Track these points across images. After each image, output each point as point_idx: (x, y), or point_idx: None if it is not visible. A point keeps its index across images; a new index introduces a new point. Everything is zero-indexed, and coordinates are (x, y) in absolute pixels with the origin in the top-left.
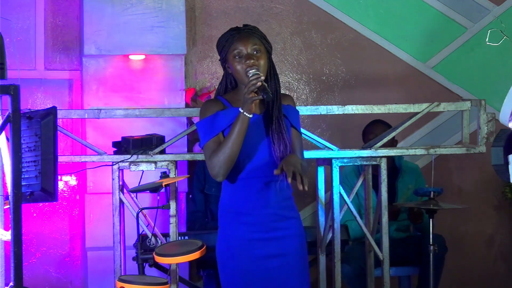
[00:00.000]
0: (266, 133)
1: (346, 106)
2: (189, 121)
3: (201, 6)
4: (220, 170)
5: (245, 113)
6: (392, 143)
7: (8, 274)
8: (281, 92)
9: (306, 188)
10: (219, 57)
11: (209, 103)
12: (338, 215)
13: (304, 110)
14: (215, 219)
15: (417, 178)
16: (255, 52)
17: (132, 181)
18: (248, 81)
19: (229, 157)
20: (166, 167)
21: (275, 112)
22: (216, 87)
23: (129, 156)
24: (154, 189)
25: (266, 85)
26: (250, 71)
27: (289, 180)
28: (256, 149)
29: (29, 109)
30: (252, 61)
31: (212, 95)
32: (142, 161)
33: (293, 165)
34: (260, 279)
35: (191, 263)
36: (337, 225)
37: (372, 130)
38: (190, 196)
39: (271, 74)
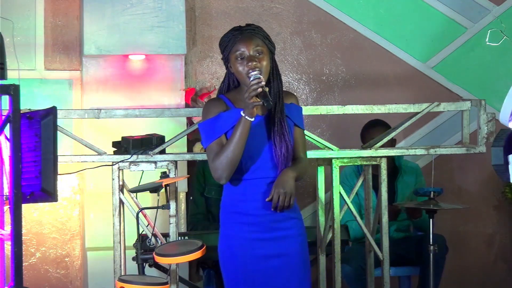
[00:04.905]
0: (268, 135)
1: (346, 106)
2: (189, 121)
3: (201, 6)
4: (223, 173)
5: (246, 117)
6: (392, 143)
7: (8, 274)
8: (285, 90)
9: (287, 208)
10: (221, 56)
11: (211, 103)
12: (338, 215)
13: (304, 110)
14: (216, 221)
15: (417, 177)
16: (257, 54)
17: (132, 181)
18: (249, 85)
19: (231, 161)
20: (166, 167)
21: (277, 114)
22: (216, 87)
23: (129, 156)
24: (154, 189)
25: (267, 90)
26: (252, 73)
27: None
28: (258, 151)
29: (29, 109)
30: (254, 63)
31: (212, 95)
32: (142, 161)
33: (283, 188)
34: (260, 279)
35: (191, 263)
36: (337, 225)
37: (371, 134)
38: (191, 198)
39: (274, 75)
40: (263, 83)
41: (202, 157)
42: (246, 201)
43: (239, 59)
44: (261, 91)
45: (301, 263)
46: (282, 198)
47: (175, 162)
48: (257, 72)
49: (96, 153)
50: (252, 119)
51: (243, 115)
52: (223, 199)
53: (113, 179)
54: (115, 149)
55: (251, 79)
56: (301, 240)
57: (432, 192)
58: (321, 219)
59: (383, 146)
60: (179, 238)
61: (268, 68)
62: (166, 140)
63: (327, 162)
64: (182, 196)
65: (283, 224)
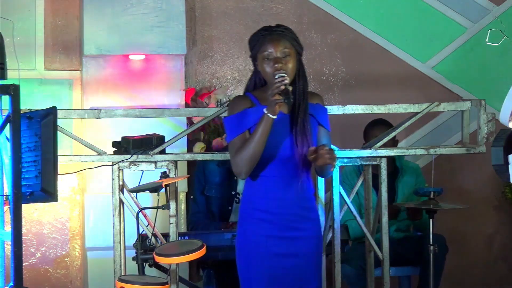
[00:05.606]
0: (290, 134)
1: (346, 106)
2: (189, 121)
3: (201, 6)
4: (243, 169)
5: (269, 114)
6: (393, 143)
7: (8, 274)
8: (311, 91)
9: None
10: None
11: (237, 99)
12: (338, 215)
13: None
14: (216, 220)
15: (417, 177)
16: (284, 56)
17: (132, 181)
18: (273, 83)
19: (252, 156)
20: (166, 167)
21: (301, 113)
22: (217, 87)
23: (129, 156)
24: (154, 189)
25: (289, 89)
26: (277, 74)
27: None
28: (279, 148)
29: (29, 109)
30: (280, 65)
31: (212, 95)
32: (142, 161)
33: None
34: (273, 276)
35: (191, 263)
36: (337, 225)
37: (374, 132)
38: (192, 197)
39: (299, 76)
40: (287, 81)
41: (202, 157)
42: (266, 198)
43: (266, 59)
44: (284, 88)
45: (313, 265)
46: (329, 154)
47: (175, 162)
48: (282, 73)
49: (96, 153)
50: (274, 117)
51: (266, 112)
52: (243, 194)
53: (113, 179)
54: (115, 149)
55: (276, 77)
56: (316, 243)
57: (432, 192)
58: (321, 219)
59: (383, 146)
60: (179, 238)
61: (294, 70)
62: (166, 140)
63: None
64: (182, 196)
65: (300, 225)
